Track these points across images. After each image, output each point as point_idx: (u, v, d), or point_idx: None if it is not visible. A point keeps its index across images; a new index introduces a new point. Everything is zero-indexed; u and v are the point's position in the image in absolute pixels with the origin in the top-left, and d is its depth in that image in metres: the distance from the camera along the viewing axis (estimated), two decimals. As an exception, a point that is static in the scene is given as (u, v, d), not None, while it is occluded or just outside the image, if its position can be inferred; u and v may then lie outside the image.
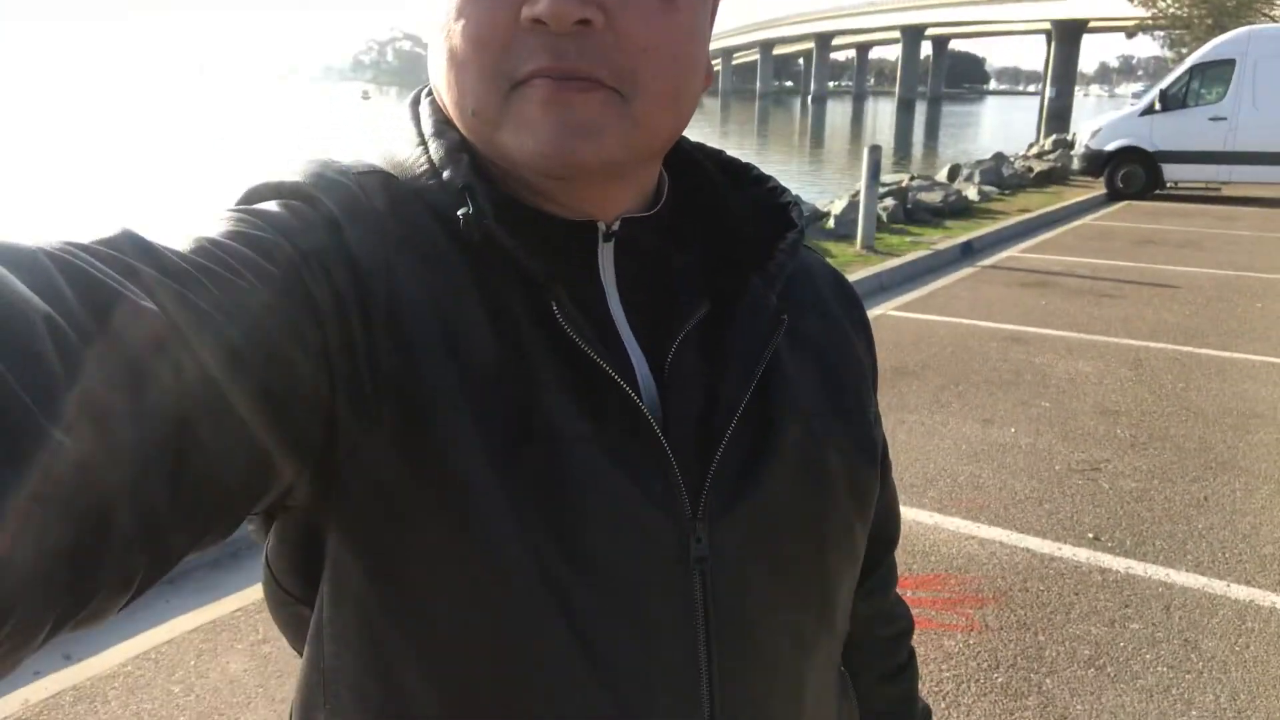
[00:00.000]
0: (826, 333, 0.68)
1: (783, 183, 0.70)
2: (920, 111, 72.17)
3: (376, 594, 0.55)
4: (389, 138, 0.61)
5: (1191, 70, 13.76)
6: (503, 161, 0.56)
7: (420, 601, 0.54)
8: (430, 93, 0.61)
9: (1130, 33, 39.04)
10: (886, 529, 0.80)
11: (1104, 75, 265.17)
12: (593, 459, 0.54)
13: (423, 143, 0.58)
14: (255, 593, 2.98)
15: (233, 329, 0.43)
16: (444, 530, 0.52)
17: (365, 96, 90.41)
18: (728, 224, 0.66)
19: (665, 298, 0.62)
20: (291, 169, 0.56)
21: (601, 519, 0.55)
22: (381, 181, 0.57)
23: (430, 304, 0.53)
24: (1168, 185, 14.27)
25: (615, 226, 0.60)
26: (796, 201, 0.68)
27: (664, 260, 0.63)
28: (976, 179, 13.95)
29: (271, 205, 0.53)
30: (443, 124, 0.59)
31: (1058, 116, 35.95)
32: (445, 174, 0.56)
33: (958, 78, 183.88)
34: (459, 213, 0.54)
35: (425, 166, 0.57)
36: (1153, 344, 6.09)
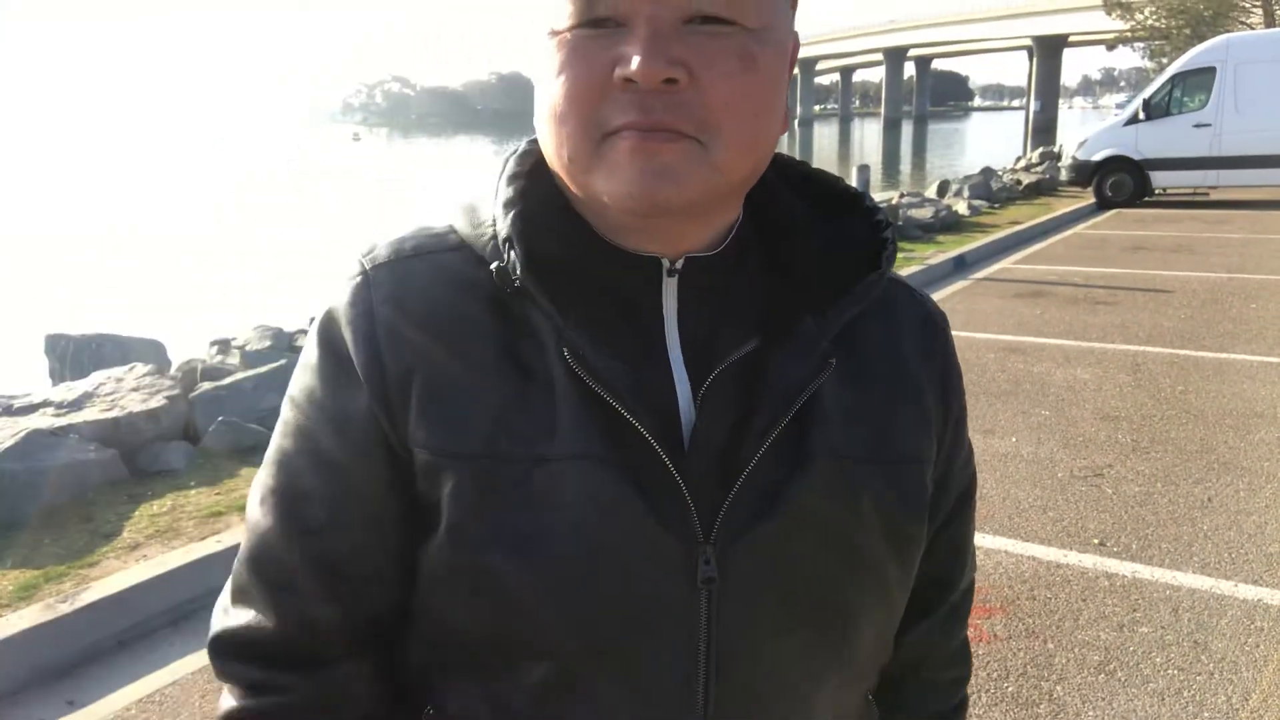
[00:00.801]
0: (889, 379, 0.69)
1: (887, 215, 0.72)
2: (907, 131, 72.73)
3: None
4: (476, 187, 0.69)
5: (1173, 79, 13.90)
6: (593, 202, 0.61)
7: (443, 615, 0.64)
8: (535, 140, 0.67)
9: (1110, 45, 39.49)
10: (947, 571, 0.78)
11: (1087, 88, 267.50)
12: (605, 479, 0.60)
13: (497, 192, 0.66)
14: (259, 632, 2.96)
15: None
16: (450, 553, 0.61)
17: (356, 138, 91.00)
18: (794, 262, 0.68)
19: (722, 330, 0.65)
20: (344, 273, 0.66)
21: (608, 535, 0.59)
22: (408, 269, 0.65)
23: (445, 368, 0.62)
24: (1156, 192, 14.36)
25: (679, 264, 0.64)
26: (893, 239, 0.70)
27: (725, 295, 0.66)
28: (966, 194, 14.03)
29: (315, 360, 0.65)
30: (515, 175, 0.66)
31: (1043, 129, 36.21)
32: (497, 226, 0.64)
33: (942, 96, 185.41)
34: (492, 266, 0.63)
35: (489, 220, 0.65)
36: (1150, 348, 6.10)
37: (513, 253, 0.62)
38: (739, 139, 0.59)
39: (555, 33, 0.59)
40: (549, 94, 0.59)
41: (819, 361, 0.64)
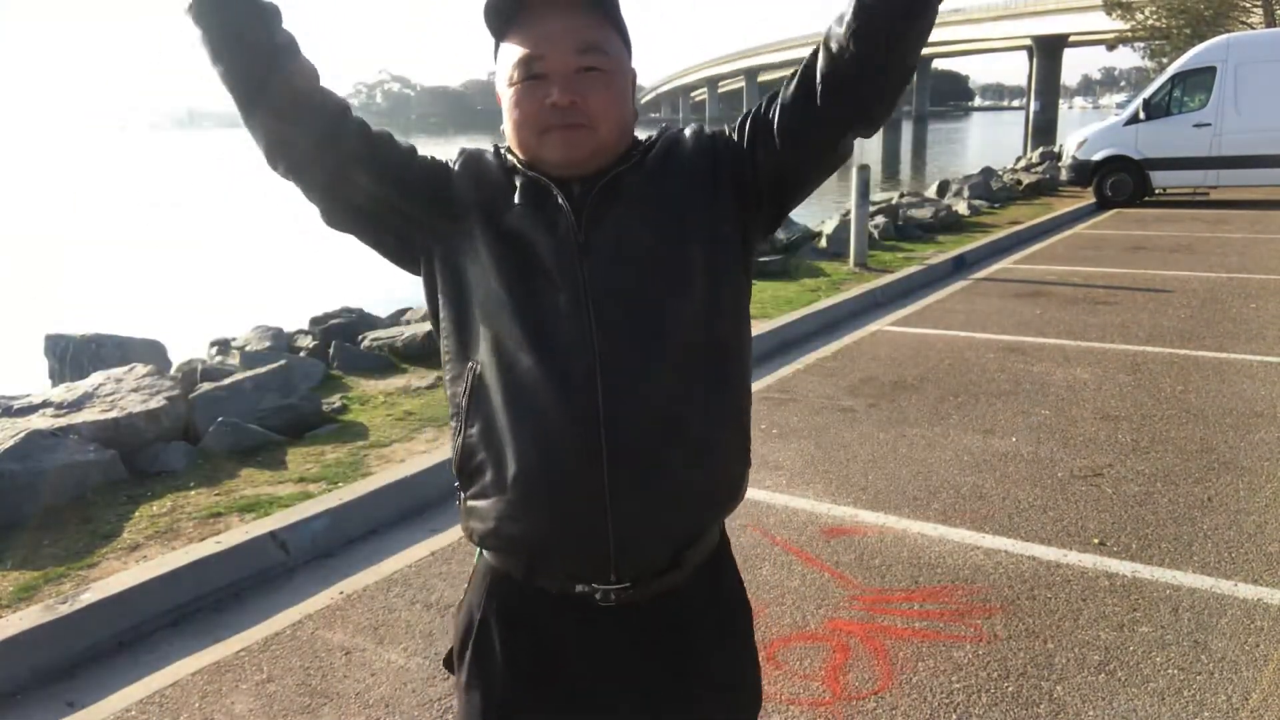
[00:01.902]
0: (667, 165, 1.27)
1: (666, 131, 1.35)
2: (907, 130, 72.63)
3: (451, 296, 1.27)
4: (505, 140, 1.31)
5: (1173, 79, 13.90)
6: (538, 163, 1.24)
7: (469, 295, 1.25)
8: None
9: (1111, 45, 39.43)
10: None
11: (1087, 87, 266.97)
12: (534, 214, 1.22)
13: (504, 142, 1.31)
14: (258, 632, 2.96)
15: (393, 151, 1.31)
16: (473, 254, 1.24)
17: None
18: (642, 159, 1.29)
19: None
20: (459, 152, 1.34)
21: (541, 234, 1.21)
22: (476, 153, 1.33)
23: (476, 181, 1.28)
24: (1156, 192, 14.36)
25: (576, 187, 1.24)
26: (665, 133, 1.31)
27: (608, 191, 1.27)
28: (966, 194, 14.03)
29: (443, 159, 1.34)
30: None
31: (1043, 129, 36.21)
32: (503, 150, 1.31)
33: (942, 96, 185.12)
34: (503, 152, 1.30)
35: (504, 147, 1.31)
36: (1150, 348, 6.10)
37: (503, 149, 1.30)
38: (610, 125, 1.22)
39: (511, 84, 1.22)
40: (513, 115, 1.23)
41: (621, 169, 1.24)
